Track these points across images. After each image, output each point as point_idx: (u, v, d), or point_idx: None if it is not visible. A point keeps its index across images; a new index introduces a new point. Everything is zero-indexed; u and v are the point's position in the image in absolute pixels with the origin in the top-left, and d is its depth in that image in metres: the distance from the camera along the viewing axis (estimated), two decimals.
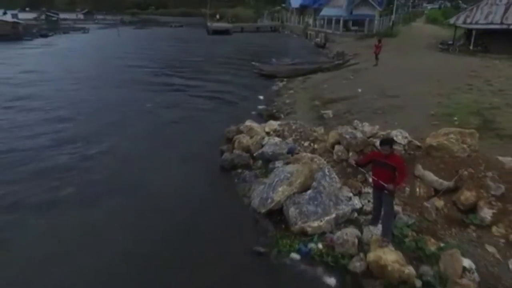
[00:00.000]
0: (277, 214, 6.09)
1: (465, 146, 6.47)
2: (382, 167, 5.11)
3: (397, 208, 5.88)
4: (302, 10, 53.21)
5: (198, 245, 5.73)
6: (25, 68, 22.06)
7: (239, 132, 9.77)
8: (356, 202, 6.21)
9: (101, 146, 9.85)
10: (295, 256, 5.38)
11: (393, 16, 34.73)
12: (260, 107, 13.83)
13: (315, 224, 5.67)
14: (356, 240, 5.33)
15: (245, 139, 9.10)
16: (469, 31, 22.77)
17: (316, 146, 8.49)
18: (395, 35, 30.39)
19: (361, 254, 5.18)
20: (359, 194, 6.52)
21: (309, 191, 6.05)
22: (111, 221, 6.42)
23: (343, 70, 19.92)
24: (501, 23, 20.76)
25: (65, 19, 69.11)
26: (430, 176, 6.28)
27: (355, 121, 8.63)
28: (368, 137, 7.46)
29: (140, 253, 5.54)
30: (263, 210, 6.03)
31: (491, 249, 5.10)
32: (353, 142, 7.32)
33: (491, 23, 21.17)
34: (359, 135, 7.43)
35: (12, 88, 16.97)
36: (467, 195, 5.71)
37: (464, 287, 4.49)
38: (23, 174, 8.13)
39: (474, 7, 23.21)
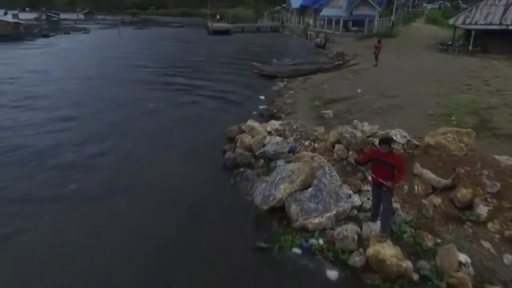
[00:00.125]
0: (279, 211, 6.25)
1: (462, 145, 6.64)
2: (381, 165, 5.28)
3: (396, 205, 6.05)
4: (302, 10, 53.38)
5: (203, 241, 5.90)
6: (29, 68, 22.23)
7: (241, 131, 9.94)
8: (356, 200, 6.37)
9: (104, 145, 10.02)
10: (296, 251, 5.54)
11: (392, 17, 34.87)
12: (261, 107, 13.99)
13: (316, 220, 5.84)
14: (356, 236, 5.49)
15: (247, 139, 9.27)
16: (468, 32, 22.94)
17: (316, 145, 8.65)
18: (394, 36, 30.55)
19: (361, 250, 5.34)
20: (358, 192, 6.68)
21: (310, 189, 6.22)
22: (117, 216, 6.62)
23: (343, 70, 20.09)
24: (500, 23, 20.91)
25: (65, 19, 69.25)
26: (428, 174, 6.45)
27: (355, 120, 8.80)
28: (368, 136, 7.63)
29: (145, 248, 5.70)
30: (265, 207, 6.19)
31: (486, 244, 5.27)
32: (353, 141, 7.49)
33: (490, 23, 21.32)
34: (358, 134, 7.60)
35: (17, 88, 17.15)
36: (463, 193, 5.87)
37: (459, 280, 4.65)
38: (29, 171, 8.35)
39: (473, 7, 23.37)
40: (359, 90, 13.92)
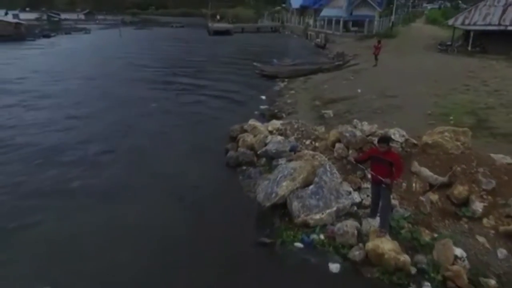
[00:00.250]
0: (281, 208, 6.44)
1: (458, 143, 6.85)
2: (380, 163, 5.47)
3: (394, 202, 6.24)
4: (302, 10, 53.57)
5: (207, 236, 6.09)
6: (32, 69, 22.44)
7: (243, 131, 10.14)
8: (356, 197, 6.57)
9: (108, 143, 10.24)
10: (298, 246, 5.74)
11: (392, 17, 35.05)
12: (262, 107, 14.17)
13: (317, 216, 6.03)
14: (356, 231, 5.69)
15: (249, 138, 9.46)
16: (467, 32, 23.13)
17: (317, 144, 8.85)
18: (394, 36, 30.70)
19: (360, 244, 5.54)
20: (358, 189, 6.88)
21: (311, 186, 6.41)
22: (124, 210, 6.86)
23: (343, 70, 20.27)
24: (499, 24, 21.08)
25: (66, 20, 69.41)
26: (426, 172, 6.65)
27: (355, 120, 8.99)
28: (367, 136, 7.83)
29: (151, 241, 5.91)
30: (267, 204, 6.37)
31: (481, 239, 5.47)
32: (353, 140, 7.69)
33: (489, 24, 21.49)
34: (358, 133, 7.80)
35: (22, 87, 17.36)
36: (460, 190, 6.07)
37: (455, 273, 4.85)
38: (38, 167, 8.64)
39: (472, 8, 23.56)
40: (359, 90, 14.10)
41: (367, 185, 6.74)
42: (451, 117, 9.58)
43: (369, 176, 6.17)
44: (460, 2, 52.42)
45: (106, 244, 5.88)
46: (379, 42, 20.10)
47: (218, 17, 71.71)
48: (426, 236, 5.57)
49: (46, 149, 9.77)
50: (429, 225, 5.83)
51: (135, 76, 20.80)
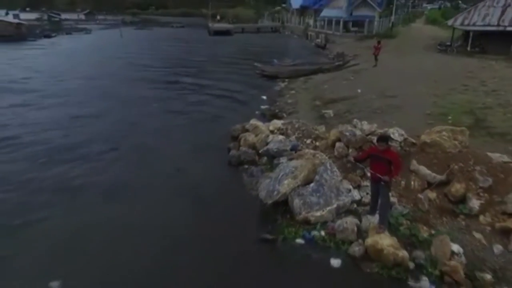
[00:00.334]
0: (283, 205, 6.59)
1: (456, 142, 6.99)
2: (379, 161, 5.62)
3: (393, 199, 6.38)
4: (302, 11, 53.71)
5: (211, 233, 6.24)
6: (35, 69, 22.66)
7: (245, 130, 10.29)
8: (356, 194, 6.72)
9: (111, 142, 10.39)
10: (300, 242, 5.89)
11: (392, 17, 35.20)
12: (263, 107, 14.31)
13: (318, 213, 6.18)
14: (355, 228, 5.85)
15: (250, 137, 9.61)
16: (466, 33, 23.26)
17: (317, 143, 9.00)
18: (394, 36, 30.86)
19: (360, 240, 5.69)
20: (358, 187, 7.02)
21: (312, 184, 6.56)
22: (131, 204, 7.08)
23: (343, 71, 20.41)
24: (498, 24, 21.21)
25: (66, 20, 69.54)
26: (424, 170, 6.79)
27: (355, 120, 9.13)
28: (367, 135, 7.97)
29: (154, 239, 6.05)
30: (269, 202, 6.52)
31: (478, 235, 5.61)
32: (353, 139, 7.84)
33: (488, 24, 21.63)
34: (358, 133, 7.95)
35: (26, 87, 17.54)
36: (457, 187, 6.21)
37: (452, 268, 4.99)
38: (44, 164, 8.85)
39: (471, 9, 23.72)
40: (359, 90, 14.24)
41: (367, 183, 6.89)
42: (450, 117, 9.73)
43: (369, 174, 6.31)
44: (460, 2, 52.62)
45: (111, 239, 6.04)
46: (379, 42, 20.23)
47: (218, 17, 71.84)
48: (424, 232, 5.72)
49: (51, 147, 9.93)
50: (427, 222, 5.97)
51: (137, 76, 20.98)
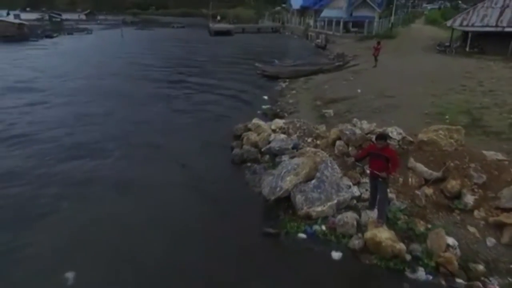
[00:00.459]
0: (285, 201, 6.84)
1: (452, 141, 7.26)
2: (378, 159, 5.88)
3: (392, 195, 6.65)
4: (302, 11, 54.00)
5: (216, 228, 6.50)
6: (40, 69, 22.84)
7: (247, 129, 10.55)
8: (355, 191, 6.98)
9: (119, 140, 10.68)
10: (301, 236, 6.15)
11: (392, 18, 35.45)
12: (264, 106, 14.54)
13: (319, 209, 6.44)
14: (355, 222, 6.10)
15: (253, 136, 9.87)
16: (465, 33, 23.53)
17: (318, 142, 9.27)
18: (394, 37, 31.10)
19: (359, 234, 5.94)
20: (357, 184, 7.29)
21: (313, 181, 6.82)
22: (137, 203, 7.29)
23: (343, 71, 20.67)
24: (496, 25, 21.50)
25: (67, 20, 69.71)
26: (421, 167, 7.05)
27: (355, 119, 9.40)
28: (366, 134, 8.24)
29: (163, 233, 6.31)
30: (272, 198, 6.77)
31: (472, 229, 5.87)
32: (353, 137, 8.10)
33: (487, 25, 21.91)
34: (358, 131, 8.21)
35: (33, 86, 17.78)
36: (453, 184, 6.48)
37: (447, 260, 5.25)
38: (58, 160, 9.22)
39: (470, 10, 24.00)
40: (359, 91, 14.51)
41: (366, 180, 7.15)
42: (447, 116, 10.00)
43: (368, 171, 6.57)
44: (460, 2, 52.86)
45: (121, 232, 6.29)
46: (378, 43, 20.48)
47: (218, 17, 72.08)
48: (421, 226, 5.97)
49: (59, 145, 10.19)
50: (424, 217, 6.23)
51: (140, 76, 21.27)
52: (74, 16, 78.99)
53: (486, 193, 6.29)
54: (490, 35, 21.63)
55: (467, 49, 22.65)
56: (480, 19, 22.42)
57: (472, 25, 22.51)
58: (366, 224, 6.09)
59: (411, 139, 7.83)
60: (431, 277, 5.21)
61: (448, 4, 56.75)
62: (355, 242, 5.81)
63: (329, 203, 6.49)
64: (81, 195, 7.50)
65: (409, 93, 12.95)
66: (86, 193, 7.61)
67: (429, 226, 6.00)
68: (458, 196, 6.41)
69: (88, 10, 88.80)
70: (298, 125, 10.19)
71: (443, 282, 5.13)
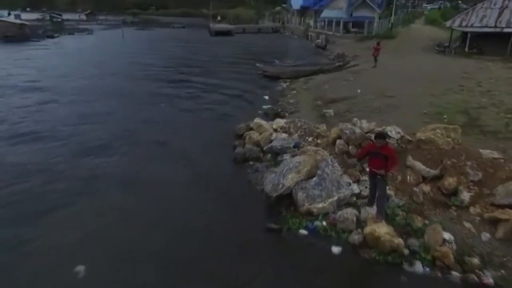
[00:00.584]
0: (287, 198, 7.04)
1: (449, 139, 7.46)
2: (377, 157, 6.08)
3: (390, 192, 6.85)
4: (303, 11, 54.22)
5: (220, 224, 6.70)
6: (43, 68, 23.08)
7: (249, 129, 10.75)
8: (355, 188, 7.18)
9: (124, 138, 10.92)
10: (303, 232, 6.35)
11: (392, 18, 35.64)
12: (265, 106, 14.73)
13: (320, 205, 6.64)
14: (355, 218, 6.31)
15: (255, 135, 10.08)
16: (464, 34, 23.71)
17: (319, 141, 9.47)
18: (394, 37, 31.27)
19: (359, 229, 6.15)
20: (357, 181, 7.48)
21: (314, 178, 7.02)
22: (143, 200, 7.50)
23: (344, 71, 20.87)
24: (495, 26, 21.69)
25: (68, 20, 69.92)
26: (419, 165, 7.26)
27: (354, 118, 9.60)
28: (366, 133, 8.44)
29: (165, 229, 6.51)
30: (274, 195, 6.98)
31: (468, 225, 6.07)
32: (352, 136, 8.31)
33: (486, 26, 22.10)
34: (357, 131, 8.41)
35: (37, 85, 18.01)
36: (449, 181, 6.68)
37: (443, 253, 5.46)
38: (65, 157, 9.52)
39: (469, 10, 24.20)
40: (359, 91, 14.70)
41: (365, 177, 7.35)
42: (445, 116, 10.20)
43: (367, 169, 6.78)
44: (459, 2, 53.01)
45: (128, 227, 6.50)
46: (378, 43, 20.68)
47: (219, 17, 72.32)
48: (418, 222, 6.17)
49: (65, 143, 10.40)
50: (421, 213, 6.43)
51: (141, 75, 21.50)
52: (75, 16, 79.16)
53: (481, 190, 6.49)
54: (489, 35, 21.82)
55: (466, 49, 22.82)
56: (479, 19, 22.61)
57: (471, 26, 22.70)
58: (366, 220, 6.29)
59: (409, 138, 8.03)
60: (428, 270, 5.42)
61: (448, 4, 56.87)
62: (355, 237, 6.02)
63: (329, 200, 6.70)
64: (87, 192, 7.71)
65: (409, 93, 13.14)
66: (91, 189, 7.83)
67: (426, 222, 6.20)
68: (454, 193, 6.61)
69: (89, 11, 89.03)
70: (299, 124, 10.39)
71: (439, 275, 5.34)
